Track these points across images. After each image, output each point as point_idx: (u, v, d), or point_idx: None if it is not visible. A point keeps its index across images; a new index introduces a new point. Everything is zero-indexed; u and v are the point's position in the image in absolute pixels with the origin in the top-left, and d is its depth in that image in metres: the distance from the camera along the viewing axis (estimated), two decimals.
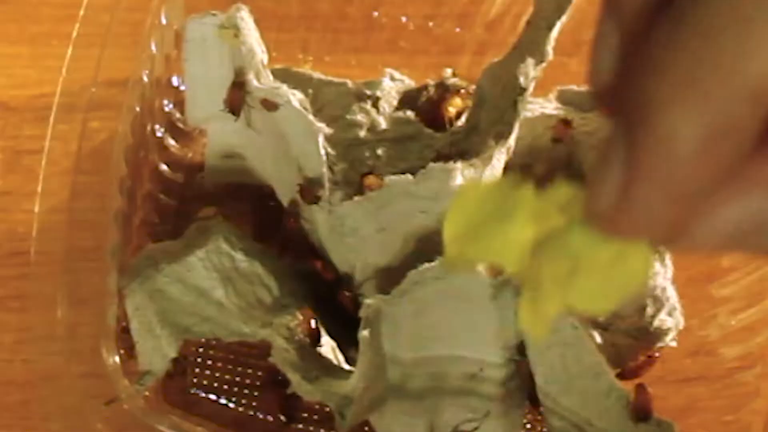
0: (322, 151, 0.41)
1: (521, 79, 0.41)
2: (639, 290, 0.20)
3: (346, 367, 0.41)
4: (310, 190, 0.41)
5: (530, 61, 0.41)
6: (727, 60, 0.14)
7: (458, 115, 0.46)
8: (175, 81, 0.48)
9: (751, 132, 0.15)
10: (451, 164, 0.40)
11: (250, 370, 0.47)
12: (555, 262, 0.20)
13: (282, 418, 0.46)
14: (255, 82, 0.41)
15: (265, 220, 0.48)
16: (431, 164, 0.40)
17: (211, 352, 0.47)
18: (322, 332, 0.41)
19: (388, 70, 0.48)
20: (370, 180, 0.40)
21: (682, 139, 0.15)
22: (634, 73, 0.16)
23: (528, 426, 0.46)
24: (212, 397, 0.46)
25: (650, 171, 0.16)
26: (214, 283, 0.40)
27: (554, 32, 0.41)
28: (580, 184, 0.20)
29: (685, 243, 0.17)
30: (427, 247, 0.40)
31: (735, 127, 0.15)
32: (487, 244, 0.21)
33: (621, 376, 0.43)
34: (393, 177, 0.40)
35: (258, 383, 0.46)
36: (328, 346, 0.41)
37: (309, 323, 0.40)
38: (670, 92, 0.15)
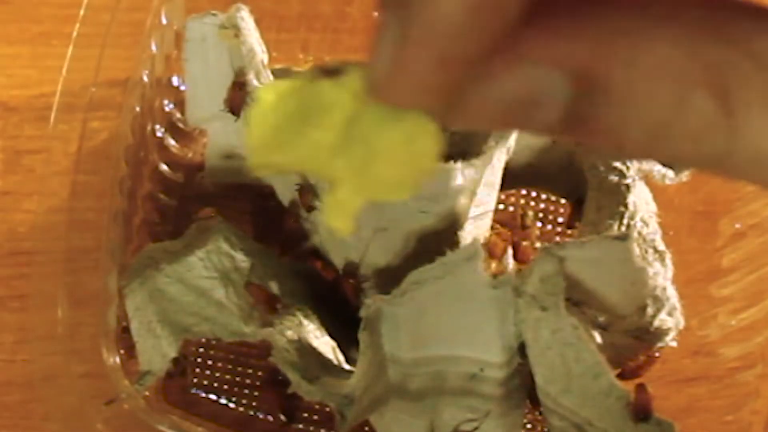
0: None
1: None
2: (430, 173, 0.20)
3: (347, 367, 0.41)
4: (306, 197, 0.41)
5: None
6: None
7: None
8: (175, 81, 0.48)
9: (514, 1, 0.16)
10: (451, 164, 0.40)
11: (250, 370, 0.47)
12: (351, 152, 0.20)
13: (282, 417, 0.46)
14: (255, 82, 0.41)
15: (265, 220, 0.48)
16: None
17: (211, 352, 0.47)
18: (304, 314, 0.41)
19: None
20: None
21: (447, 1, 0.15)
22: None
23: (528, 426, 0.46)
24: (212, 397, 0.46)
25: (417, 33, 0.16)
26: (214, 283, 0.41)
27: None
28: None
29: (462, 115, 0.17)
30: (427, 247, 0.40)
31: None
32: (293, 151, 0.21)
33: (621, 376, 0.43)
34: None
35: (258, 383, 0.47)
36: (328, 347, 0.41)
37: (260, 291, 0.40)
38: None
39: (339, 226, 0.21)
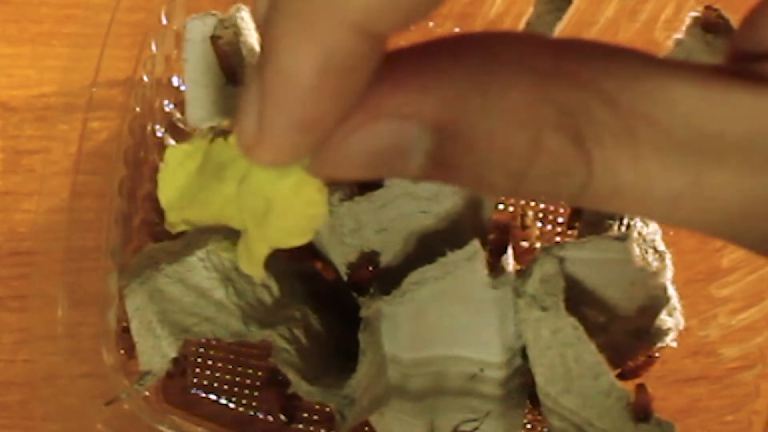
0: None
1: None
2: (323, 220, 0.22)
3: (346, 367, 0.41)
4: None
5: None
6: None
7: None
8: (175, 81, 0.48)
9: (363, 63, 0.17)
10: None
11: (250, 370, 0.47)
12: (250, 204, 0.21)
13: (282, 417, 0.46)
14: None
15: None
16: None
17: (211, 352, 0.47)
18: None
19: None
20: None
21: (297, 69, 0.16)
22: (268, 11, 0.17)
23: (528, 426, 0.46)
24: (212, 397, 0.46)
25: (276, 100, 0.17)
26: (214, 283, 0.40)
27: (554, 33, 0.41)
28: None
29: (330, 168, 0.18)
30: (427, 247, 0.40)
31: (345, 58, 0.16)
32: (203, 205, 0.23)
33: (621, 376, 0.43)
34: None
35: (258, 383, 0.47)
36: (328, 347, 0.41)
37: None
38: (285, 25, 0.16)
39: (251, 272, 0.23)
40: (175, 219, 0.24)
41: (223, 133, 0.22)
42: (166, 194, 0.23)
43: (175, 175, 0.23)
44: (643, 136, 0.17)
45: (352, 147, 0.18)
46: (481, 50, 0.18)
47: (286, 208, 0.21)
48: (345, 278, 0.41)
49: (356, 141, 0.18)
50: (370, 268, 0.41)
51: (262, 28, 0.17)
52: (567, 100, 0.17)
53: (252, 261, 0.23)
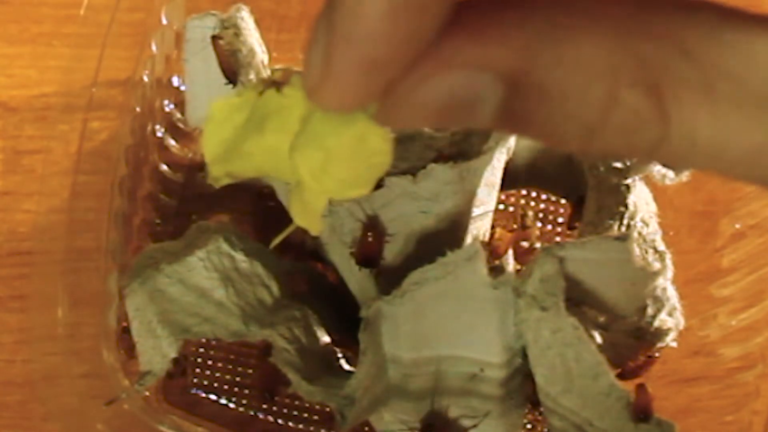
0: None
1: None
2: (385, 170, 0.21)
3: (347, 367, 0.41)
4: None
5: None
6: None
7: None
8: (175, 81, 0.48)
9: (434, 5, 0.16)
10: (451, 164, 0.40)
11: (250, 370, 0.47)
12: (308, 155, 0.21)
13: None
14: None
15: (265, 220, 0.48)
16: (431, 164, 0.40)
17: (211, 352, 0.47)
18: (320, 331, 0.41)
19: None
20: None
21: (367, 5, 0.16)
22: None
23: (528, 426, 0.46)
24: (212, 397, 0.46)
25: (343, 34, 0.16)
26: (214, 283, 0.41)
27: None
28: None
29: (396, 116, 0.18)
30: (427, 247, 0.40)
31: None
32: (249, 158, 0.22)
33: (621, 376, 0.43)
34: (393, 177, 0.40)
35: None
36: (328, 347, 0.41)
37: None
38: None
39: (308, 225, 0.22)
40: (219, 173, 0.23)
41: (274, 84, 0.21)
42: (210, 149, 0.22)
43: (221, 129, 0.22)
44: (722, 90, 0.16)
45: (423, 96, 0.17)
46: None
47: (349, 158, 0.20)
48: (355, 261, 0.41)
49: (427, 90, 0.17)
50: (374, 238, 0.41)
51: None
52: (644, 52, 0.16)
53: (309, 214, 0.22)
